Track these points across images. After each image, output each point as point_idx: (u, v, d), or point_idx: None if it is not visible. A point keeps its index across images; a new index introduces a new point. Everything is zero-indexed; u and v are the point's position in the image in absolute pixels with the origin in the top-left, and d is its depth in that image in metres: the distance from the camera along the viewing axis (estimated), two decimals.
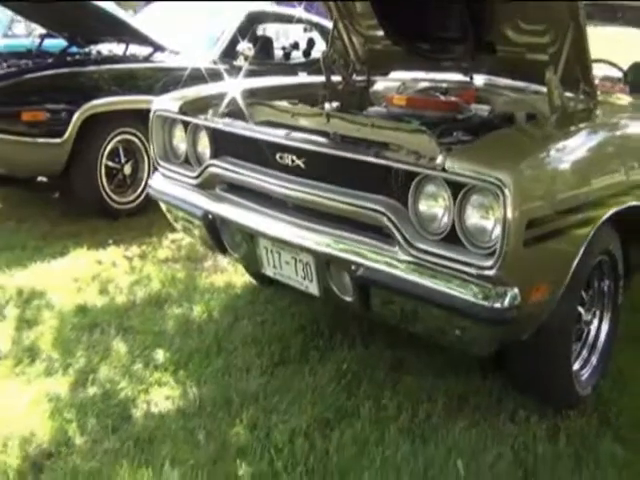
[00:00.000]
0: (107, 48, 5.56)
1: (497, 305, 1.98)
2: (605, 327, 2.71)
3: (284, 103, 2.85)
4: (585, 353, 2.68)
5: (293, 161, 2.47)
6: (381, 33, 3.26)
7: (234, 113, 2.81)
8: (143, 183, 4.85)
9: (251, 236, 2.67)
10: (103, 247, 4.20)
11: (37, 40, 6.15)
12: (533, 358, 2.47)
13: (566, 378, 2.51)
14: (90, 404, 2.49)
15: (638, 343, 3.07)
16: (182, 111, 2.91)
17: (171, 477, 2.09)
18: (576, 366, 2.60)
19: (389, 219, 2.19)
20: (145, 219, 4.71)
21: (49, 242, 4.25)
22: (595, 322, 2.70)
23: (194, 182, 2.89)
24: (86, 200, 4.76)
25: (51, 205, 5.20)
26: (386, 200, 2.23)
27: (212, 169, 2.80)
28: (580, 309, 2.54)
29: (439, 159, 2.06)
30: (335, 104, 3.15)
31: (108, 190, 4.72)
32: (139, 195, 4.89)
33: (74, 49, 5.59)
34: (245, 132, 2.66)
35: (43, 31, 6.08)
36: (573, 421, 2.49)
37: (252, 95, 2.98)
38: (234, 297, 3.51)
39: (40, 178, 5.34)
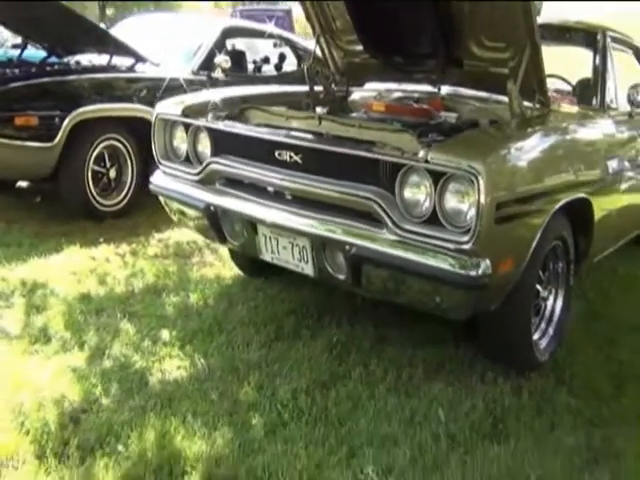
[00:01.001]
0: (87, 59, 5.79)
1: (472, 273, 2.37)
2: (559, 303, 3.12)
3: (277, 107, 3.20)
4: (543, 325, 3.08)
5: (291, 157, 2.81)
6: (360, 47, 3.64)
7: (232, 116, 3.15)
8: (127, 186, 5.14)
9: (251, 224, 3.00)
10: (95, 245, 4.41)
11: (11, 50, 6.35)
12: (499, 329, 2.88)
13: (527, 346, 2.91)
14: (110, 372, 2.78)
15: (587, 323, 3.51)
16: (185, 114, 3.24)
17: (195, 425, 2.40)
18: (536, 336, 3.01)
19: (379, 205, 2.56)
20: (130, 221, 4.99)
21: (43, 240, 4.45)
22: (551, 298, 3.10)
23: (195, 178, 3.21)
24: (73, 202, 4.97)
25: (35, 208, 5.39)
26: (375, 189, 2.59)
27: (213, 166, 3.13)
28: (538, 287, 2.94)
29: (422, 153, 2.44)
30: (324, 109, 3.50)
31: (94, 193, 4.95)
32: (123, 198, 5.14)
33: (54, 59, 5.83)
34: (247, 132, 3.00)
35: (16, 41, 6.28)
36: (534, 381, 2.88)
37: (245, 101, 3.33)
38: (226, 287, 3.82)
39: (19, 183, 5.59)
